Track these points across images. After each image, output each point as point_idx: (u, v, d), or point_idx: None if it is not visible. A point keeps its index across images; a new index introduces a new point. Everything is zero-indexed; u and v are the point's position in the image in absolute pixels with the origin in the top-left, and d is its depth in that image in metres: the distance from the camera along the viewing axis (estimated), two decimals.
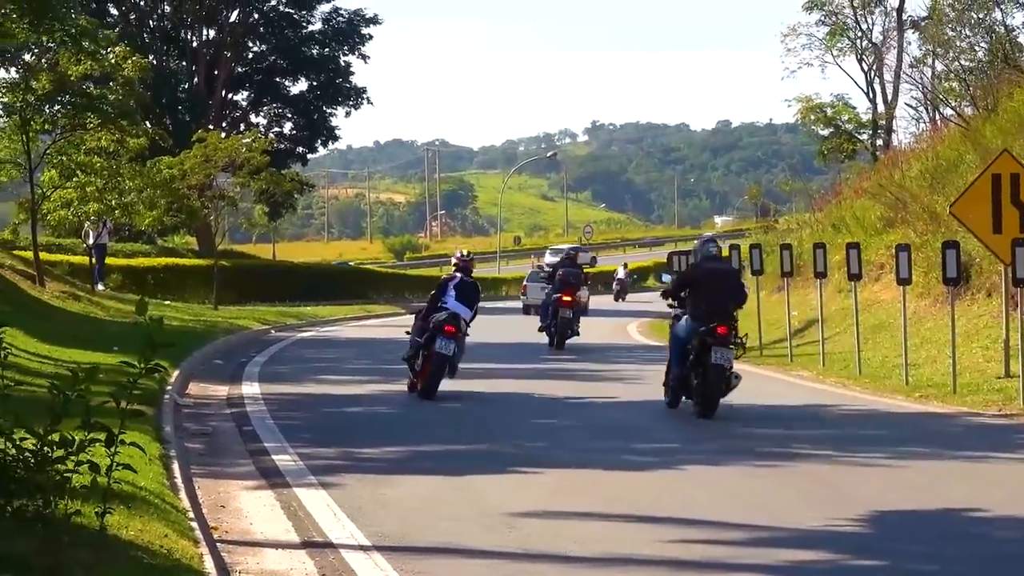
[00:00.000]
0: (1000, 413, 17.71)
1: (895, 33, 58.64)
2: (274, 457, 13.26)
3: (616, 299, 66.59)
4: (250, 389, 19.84)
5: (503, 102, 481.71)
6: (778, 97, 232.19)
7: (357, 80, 63.92)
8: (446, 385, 18.88)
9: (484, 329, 38.04)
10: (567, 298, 29.16)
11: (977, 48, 45.95)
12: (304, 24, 62.48)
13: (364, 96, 62.61)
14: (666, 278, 21.94)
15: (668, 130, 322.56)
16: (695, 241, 20.30)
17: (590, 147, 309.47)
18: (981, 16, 46.10)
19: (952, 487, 12.02)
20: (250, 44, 62.72)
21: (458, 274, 19.72)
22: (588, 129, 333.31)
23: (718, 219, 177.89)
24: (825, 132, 61.70)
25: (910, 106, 53.73)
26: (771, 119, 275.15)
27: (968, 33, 46.51)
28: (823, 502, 11.10)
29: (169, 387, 17.75)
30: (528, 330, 33.05)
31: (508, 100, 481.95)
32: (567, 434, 15.68)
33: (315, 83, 62.61)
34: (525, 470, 12.66)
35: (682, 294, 17.77)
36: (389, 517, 10.29)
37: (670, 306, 18.34)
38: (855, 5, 59.19)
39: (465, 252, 21.38)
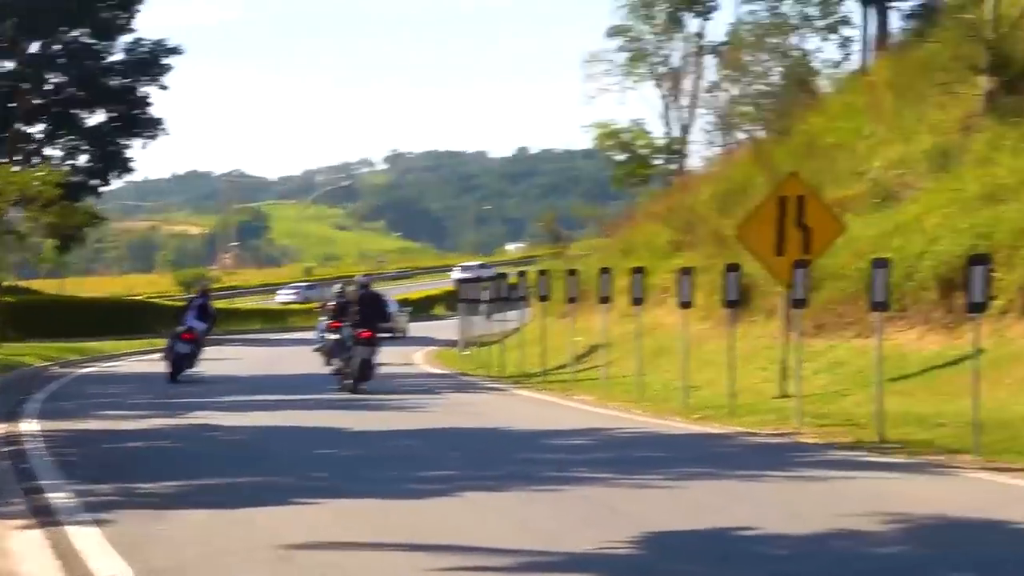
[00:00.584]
0: (776, 432, 18.03)
1: (695, 59, 59.63)
2: (49, 495, 12.92)
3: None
4: (28, 427, 19.41)
5: (303, 132, 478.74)
6: (577, 124, 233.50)
7: (155, 111, 63.25)
8: (231, 419, 20.89)
9: (270, 361, 37.89)
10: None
11: (771, 73, 47.07)
12: (105, 55, 61.53)
13: (161, 127, 61.89)
14: (331, 301, 31.33)
15: (466, 157, 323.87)
16: (356, 277, 30.40)
17: (389, 176, 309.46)
18: (777, 41, 47.27)
19: (729, 506, 12.15)
20: (47, 76, 61.48)
21: (198, 299, 30.60)
22: (388, 157, 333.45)
23: (510, 246, 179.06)
24: (621, 157, 62.30)
25: (706, 130, 54.63)
26: (569, 146, 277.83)
27: (764, 57, 47.64)
28: (600, 524, 11.14)
29: None
30: (312, 362, 33.03)
31: (308, 130, 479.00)
32: (348, 464, 15.59)
33: (114, 114, 61.65)
34: (304, 501, 12.53)
35: (348, 312, 27.15)
36: (161, 552, 10.09)
37: (340, 321, 27.61)
38: (655, 32, 59.97)
39: (207, 284, 38.49)
